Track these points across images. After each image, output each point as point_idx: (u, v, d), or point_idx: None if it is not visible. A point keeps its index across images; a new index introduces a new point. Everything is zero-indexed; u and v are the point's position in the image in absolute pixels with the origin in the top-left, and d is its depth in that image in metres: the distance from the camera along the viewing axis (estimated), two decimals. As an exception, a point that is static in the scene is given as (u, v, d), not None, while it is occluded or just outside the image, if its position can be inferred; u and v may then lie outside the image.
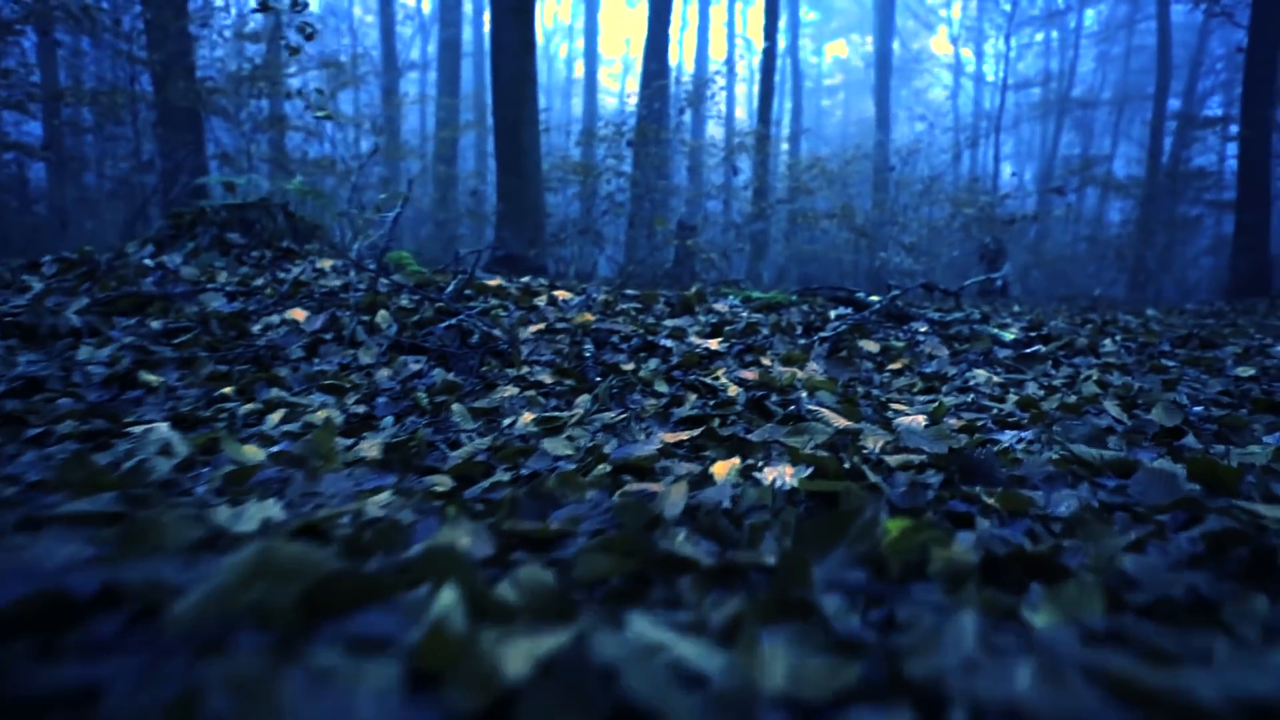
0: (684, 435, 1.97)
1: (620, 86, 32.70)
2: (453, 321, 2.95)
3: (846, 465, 1.52)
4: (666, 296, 3.83)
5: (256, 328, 2.98)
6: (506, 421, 2.18)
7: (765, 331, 3.36)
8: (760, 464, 1.53)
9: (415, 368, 2.64)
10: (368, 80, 17.88)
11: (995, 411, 2.41)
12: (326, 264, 4.03)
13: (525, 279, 4.77)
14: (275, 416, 2.23)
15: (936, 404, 2.32)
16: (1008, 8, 23.74)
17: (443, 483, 1.71)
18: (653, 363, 2.75)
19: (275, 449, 1.89)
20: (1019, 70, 29.43)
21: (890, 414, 2.32)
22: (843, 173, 15.53)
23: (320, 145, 13.66)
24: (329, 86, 14.79)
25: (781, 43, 28.06)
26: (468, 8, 25.90)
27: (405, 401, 2.41)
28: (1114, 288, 17.32)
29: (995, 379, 2.90)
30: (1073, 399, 2.61)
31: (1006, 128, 24.71)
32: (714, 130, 22.94)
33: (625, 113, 14.81)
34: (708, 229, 13.50)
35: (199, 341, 2.80)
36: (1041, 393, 2.77)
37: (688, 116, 21.85)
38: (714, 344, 3.02)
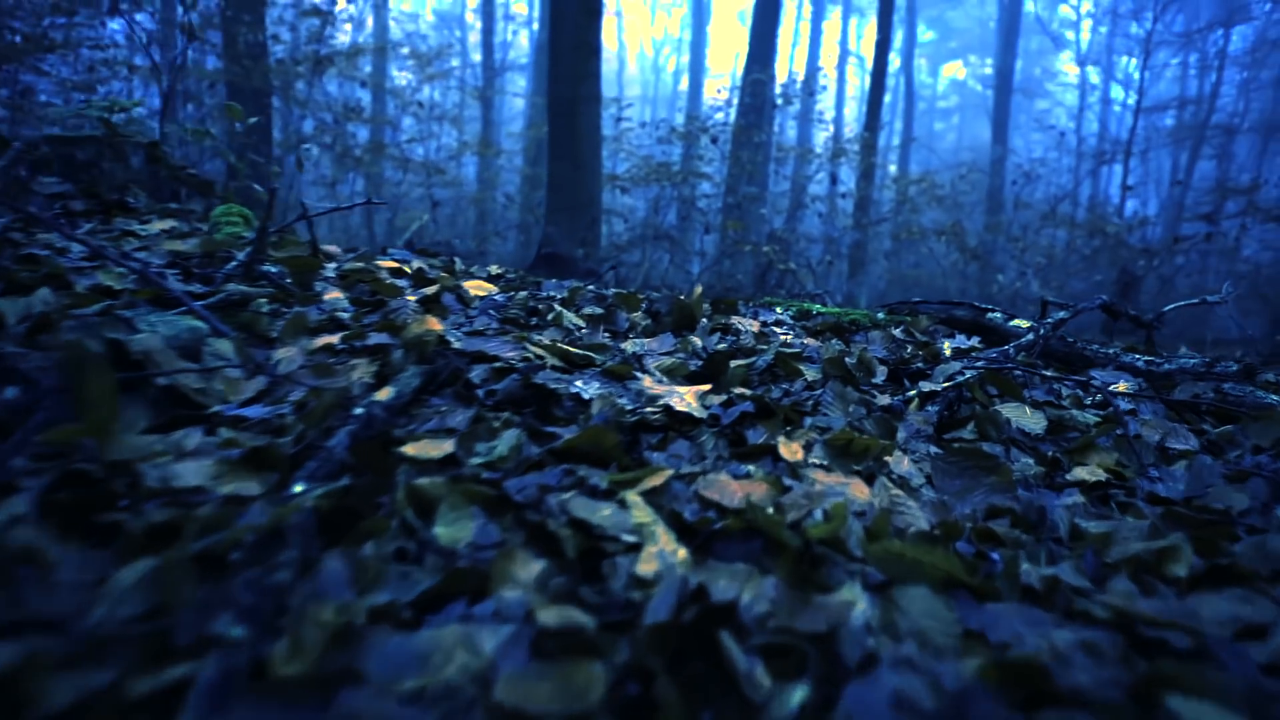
0: None
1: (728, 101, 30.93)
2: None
3: None
4: (651, 302, 2.15)
5: None
6: None
7: (811, 375, 1.64)
8: None
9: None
10: (459, 76, 16.79)
11: None
12: (160, 226, 2.53)
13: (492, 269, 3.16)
14: None
15: None
16: (1147, 26, 20.82)
17: None
18: (507, 439, 1.08)
19: None
20: (1151, 94, 26.22)
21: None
22: (953, 192, 13.38)
23: (393, 135, 12.48)
24: (415, 79, 13.64)
25: (895, 61, 25.74)
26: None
27: None
28: (1252, 331, 14.45)
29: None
30: None
31: (1134, 154, 21.73)
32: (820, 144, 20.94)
33: (716, 111, 12.97)
34: (803, 243, 11.56)
35: None
36: None
37: (792, 129, 19.95)
38: (689, 397, 1.33)
